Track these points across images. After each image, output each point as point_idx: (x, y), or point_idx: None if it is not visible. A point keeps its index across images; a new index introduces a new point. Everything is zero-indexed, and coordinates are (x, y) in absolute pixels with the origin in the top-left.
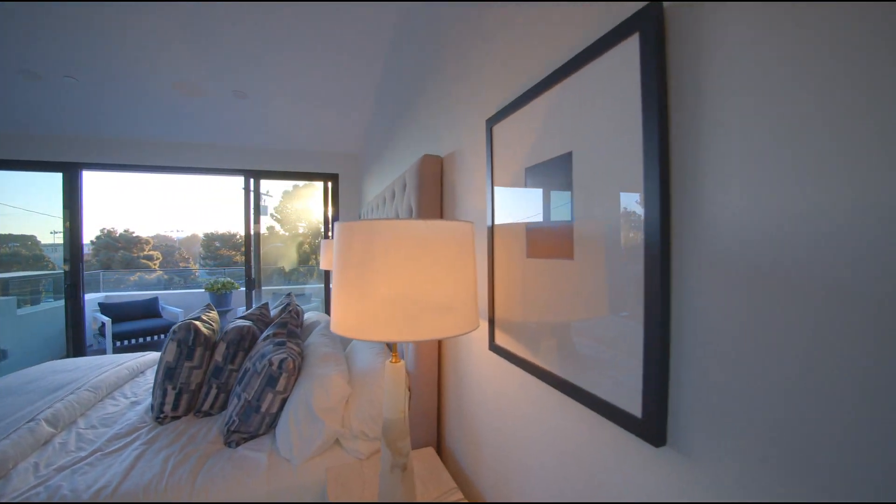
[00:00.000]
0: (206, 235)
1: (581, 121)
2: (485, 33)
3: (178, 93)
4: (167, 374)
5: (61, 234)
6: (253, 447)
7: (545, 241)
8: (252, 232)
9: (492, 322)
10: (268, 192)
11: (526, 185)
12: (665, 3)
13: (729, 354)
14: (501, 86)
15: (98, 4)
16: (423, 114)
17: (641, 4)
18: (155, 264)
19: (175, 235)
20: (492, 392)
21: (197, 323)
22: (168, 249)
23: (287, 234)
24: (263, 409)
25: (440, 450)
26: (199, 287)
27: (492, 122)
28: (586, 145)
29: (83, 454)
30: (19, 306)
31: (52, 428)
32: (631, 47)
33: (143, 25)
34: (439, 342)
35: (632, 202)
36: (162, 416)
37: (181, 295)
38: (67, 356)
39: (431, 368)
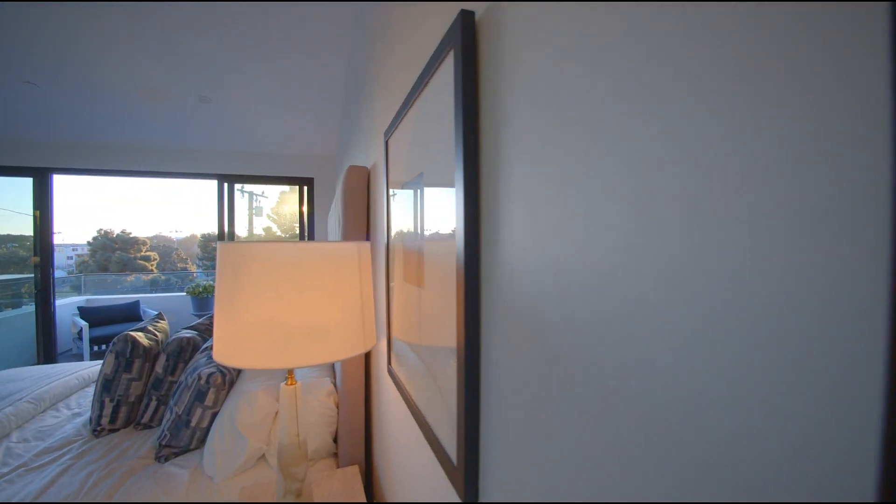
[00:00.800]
0: (203, 236)
1: (427, 141)
2: (386, 39)
3: (151, 99)
4: (105, 386)
5: (60, 235)
6: (180, 463)
7: (411, 265)
8: (226, 235)
9: (389, 344)
10: (263, 192)
11: (403, 203)
12: (479, 13)
13: (518, 401)
14: (394, 95)
15: (57, 8)
16: (360, 121)
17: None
18: (152, 265)
19: (174, 236)
20: (392, 415)
21: (135, 334)
22: (165, 250)
23: (284, 234)
24: (193, 423)
25: (370, 467)
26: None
27: (387, 133)
28: (430, 167)
29: (5, 470)
30: None
31: None
32: (451, 64)
33: (104, 31)
34: (367, 357)
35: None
36: (99, 428)
37: (164, 298)
38: (38, 363)
39: (359, 385)
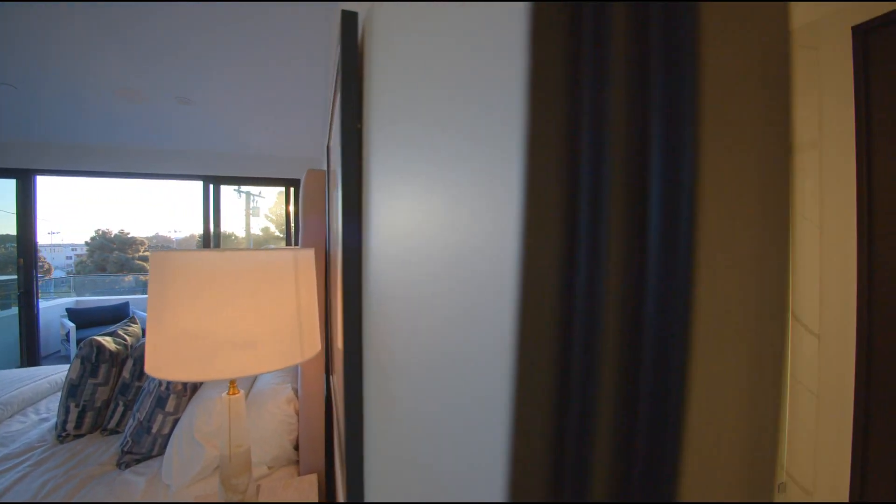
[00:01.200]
0: (201, 236)
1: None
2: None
3: (129, 99)
4: (70, 391)
5: (59, 235)
6: (139, 470)
7: (335, 272)
8: (212, 237)
9: (331, 352)
10: (260, 192)
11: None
12: (363, 14)
13: (378, 404)
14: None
15: (40, 9)
16: (331, 124)
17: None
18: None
19: (173, 236)
20: (337, 423)
21: (101, 339)
22: (164, 250)
23: (281, 235)
24: (154, 429)
25: (333, 474)
26: None
27: (328, 138)
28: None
29: None
30: None
31: None
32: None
33: (87, 33)
34: (328, 363)
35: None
36: (64, 434)
37: None
38: (22, 365)
39: (318, 391)
